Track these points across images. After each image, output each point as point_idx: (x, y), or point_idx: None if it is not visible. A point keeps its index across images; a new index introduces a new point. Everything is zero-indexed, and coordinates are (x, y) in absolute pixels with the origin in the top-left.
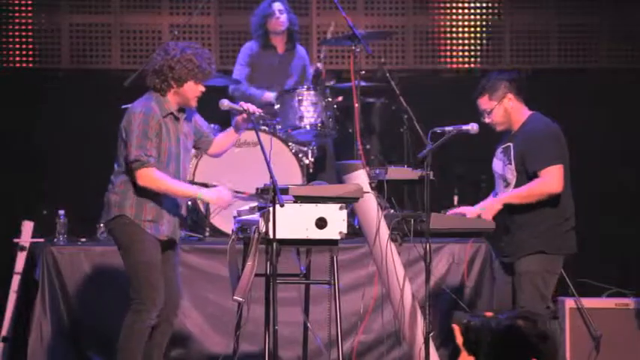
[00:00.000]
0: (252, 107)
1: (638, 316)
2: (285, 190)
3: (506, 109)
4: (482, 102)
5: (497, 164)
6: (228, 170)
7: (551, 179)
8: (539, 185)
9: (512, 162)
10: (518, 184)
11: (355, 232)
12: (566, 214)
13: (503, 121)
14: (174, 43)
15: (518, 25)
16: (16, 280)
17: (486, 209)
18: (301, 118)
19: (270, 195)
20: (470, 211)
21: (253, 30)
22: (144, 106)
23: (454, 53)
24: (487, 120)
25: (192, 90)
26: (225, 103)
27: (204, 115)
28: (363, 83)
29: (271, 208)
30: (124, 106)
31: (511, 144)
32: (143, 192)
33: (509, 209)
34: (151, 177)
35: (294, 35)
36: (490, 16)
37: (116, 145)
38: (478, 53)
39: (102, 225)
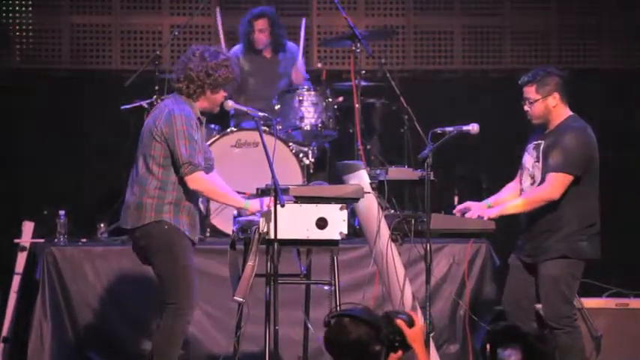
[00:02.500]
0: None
1: (638, 316)
2: (285, 191)
3: (547, 105)
4: (528, 90)
5: (528, 159)
6: (229, 170)
7: (550, 185)
8: (535, 194)
9: (540, 161)
10: (541, 184)
11: (355, 232)
12: (591, 219)
13: (541, 116)
14: (204, 48)
15: (518, 25)
16: (16, 281)
17: (487, 210)
18: (302, 118)
19: (271, 195)
20: (475, 205)
21: (239, 35)
22: (181, 109)
23: (454, 53)
24: (526, 108)
25: (221, 96)
26: (229, 104)
27: (203, 114)
28: (363, 83)
29: (272, 208)
30: (123, 107)
31: (542, 142)
32: (179, 196)
33: (533, 212)
34: (204, 181)
35: (279, 45)
36: (490, 17)
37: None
38: (478, 53)
39: (134, 227)
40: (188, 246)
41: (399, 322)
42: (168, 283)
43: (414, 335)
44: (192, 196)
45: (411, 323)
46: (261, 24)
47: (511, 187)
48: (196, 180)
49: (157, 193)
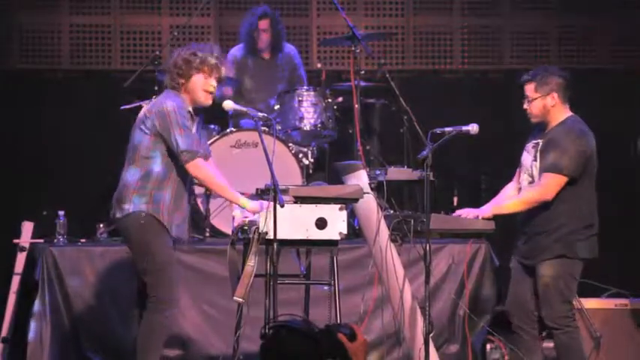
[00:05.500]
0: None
1: (638, 316)
2: (285, 191)
3: (545, 105)
4: (528, 88)
5: (526, 158)
6: (228, 170)
7: (544, 186)
8: (529, 194)
9: (538, 160)
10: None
11: (355, 232)
12: (588, 221)
13: (539, 115)
14: (181, 47)
15: (518, 25)
16: (16, 281)
17: (481, 210)
18: (301, 118)
19: (271, 195)
20: (472, 212)
21: (241, 35)
22: (172, 100)
23: (454, 53)
24: (525, 106)
25: (201, 83)
26: (229, 105)
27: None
28: (362, 84)
29: (272, 209)
30: (123, 107)
31: (541, 141)
32: (160, 188)
33: (529, 213)
34: (204, 168)
35: (278, 46)
36: (490, 17)
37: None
38: (478, 53)
39: (115, 218)
40: (166, 239)
41: (340, 336)
42: (149, 277)
43: (355, 349)
44: (175, 190)
45: (352, 337)
46: (263, 24)
47: (509, 189)
48: (196, 166)
49: (138, 184)
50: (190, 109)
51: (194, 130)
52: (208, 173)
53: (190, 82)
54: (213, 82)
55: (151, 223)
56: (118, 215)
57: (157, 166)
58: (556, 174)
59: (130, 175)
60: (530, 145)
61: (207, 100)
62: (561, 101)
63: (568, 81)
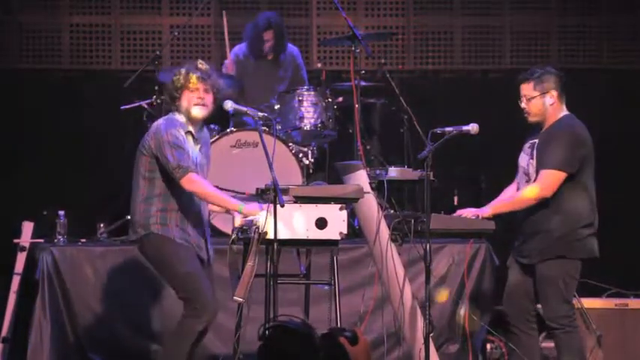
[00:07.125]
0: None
1: (638, 316)
2: (285, 191)
3: (544, 103)
4: (525, 87)
5: (523, 158)
6: (228, 171)
7: (542, 183)
8: (527, 191)
9: (534, 158)
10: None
11: (355, 232)
12: (587, 220)
13: (537, 113)
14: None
15: (518, 25)
16: (16, 281)
17: (481, 210)
18: (301, 118)
19: (271, 195)
20: (472, 212)
21: (245, 38)
22: (167, 120)
23: (454, 53)
24: (523, 105)
25: (188, 98)
26: (229, 104)
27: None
28: (363, 83)
29: (272, 209)
30: (123, 107)
31: (537, 141)
32: (165, 207)
33: (528, 212)
34: (198, 181)
35: (281, 50)
36: (490, 17)
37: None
38: (478, 53)
39: (132, 241)
40: (183, 252)
41: (342, 339)
42: (180, 294)
43: (356, 353)
44: (182, 203)
45: (354, 340)
46: (267, 35)
47: (510, 190)
48: (190, 181)
49: (142, 207)
50: (191, 129)
51: (197, 149)
52: (202, 186)
53: (181, 100)
54: (201, 94)
55: (163, 242)
56: (133, 238)
57: (157, 188)
58: (553, 170)
59: (136, 197)
60: (527, 145)
61: (199, 113)
62: (559, 100)
63: (564, 80)
